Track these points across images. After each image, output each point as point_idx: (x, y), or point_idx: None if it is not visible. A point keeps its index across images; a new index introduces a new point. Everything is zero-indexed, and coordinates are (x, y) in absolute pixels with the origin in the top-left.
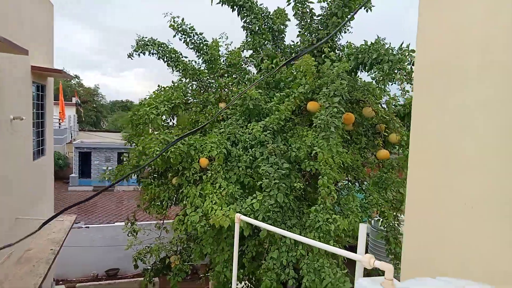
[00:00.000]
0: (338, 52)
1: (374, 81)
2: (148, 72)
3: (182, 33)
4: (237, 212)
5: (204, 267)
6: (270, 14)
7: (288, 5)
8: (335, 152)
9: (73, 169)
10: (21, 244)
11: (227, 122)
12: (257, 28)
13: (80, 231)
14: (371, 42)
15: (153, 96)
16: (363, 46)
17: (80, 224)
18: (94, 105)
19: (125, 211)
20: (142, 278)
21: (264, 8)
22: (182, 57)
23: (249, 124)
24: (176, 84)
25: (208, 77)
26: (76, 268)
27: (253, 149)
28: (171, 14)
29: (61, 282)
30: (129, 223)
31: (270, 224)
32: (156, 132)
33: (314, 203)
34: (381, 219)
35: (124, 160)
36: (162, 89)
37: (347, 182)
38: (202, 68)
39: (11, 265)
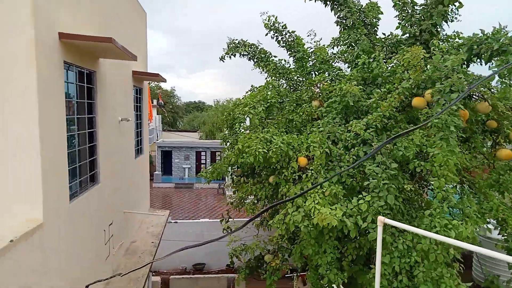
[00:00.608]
0: (441, 43)
1: (497, 75)
2: (218, 73)
3: (274, 31)
4: (343, 213)
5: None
6: (363, 7)
7: None
8: (457, 153)
9: (157, 166)
10: (128, 236)
11: (324, 120)
12: (351, 22)
13: (170, 226)
14: (491, 32)
15: (248, 96)
16: (479, 36)
17: (169, 219)
18: (171, 106)
19: (203, 207)
20: (227, 274)
21: (356, 2)
22: (271, 56)
23: (347, 123)
24: (270, 84)
25: (298, 76)
26: (167, 261)
27: (355, 148)
28: (267, 13)
29: (154, 274)
30: (224, 220)
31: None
32: (246, 132)
33: (421, 206)
34: (499, 227)
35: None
36: (256, 89)
37: (455, 184)
38: (291, 66)
39: (121, 256)
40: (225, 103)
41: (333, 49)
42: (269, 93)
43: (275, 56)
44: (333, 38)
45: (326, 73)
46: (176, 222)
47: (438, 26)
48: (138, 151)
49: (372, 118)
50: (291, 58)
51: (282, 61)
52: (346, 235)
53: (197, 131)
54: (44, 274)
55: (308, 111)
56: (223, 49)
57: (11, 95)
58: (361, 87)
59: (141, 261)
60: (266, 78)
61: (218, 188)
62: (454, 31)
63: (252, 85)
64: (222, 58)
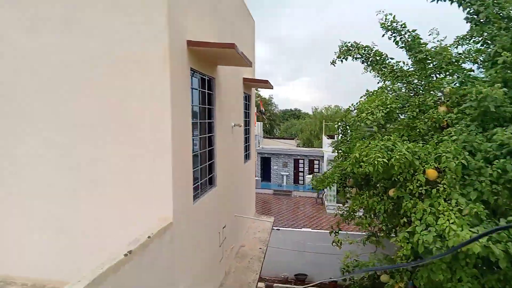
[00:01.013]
0: None
1: None
2: (313, 81)
3: (392, 31)
4: (489, 237)
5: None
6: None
7: None
8: None
9: (256, 172)
10: (237, 240)
11: (457, 128)
12: (485, 17)
13: (273, 233)
14: None
15: (365, 101)
16: None
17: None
18: (269, 114)
19: (302, 216)
20: None
21: None
22: (387, 58)
23: (485, 131)
24: (387, 87)
25: (418, 78)
26: (269, 267)
27: (500, 161)
28: (383, 11)
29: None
30: (334, 233)
31: None
32: (362, 139)
33: None
34: None
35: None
36: (372, 93)
37: None
38: (409, 69)
39: (232, 259)
40: (323, 111)
41: (456, 48)
42: (388, 98)
43: (391, 58)
44: (457, 36)
45: (455, 75)
46: (279, 229)
47: None
48: (246, 156)
49: None
50: (410, 59)
51: (399, 63)
52: (484, 263)
53: (294, 139)
54: (172, 271)
55: (435, 118)
56: (335, 52)
57: (146, 101)
58: (505, 89)
59: (250, 266)
60: (378, 82)
61: (316, 197)
62: None
63: (367, 90)
64: (333, 62)
